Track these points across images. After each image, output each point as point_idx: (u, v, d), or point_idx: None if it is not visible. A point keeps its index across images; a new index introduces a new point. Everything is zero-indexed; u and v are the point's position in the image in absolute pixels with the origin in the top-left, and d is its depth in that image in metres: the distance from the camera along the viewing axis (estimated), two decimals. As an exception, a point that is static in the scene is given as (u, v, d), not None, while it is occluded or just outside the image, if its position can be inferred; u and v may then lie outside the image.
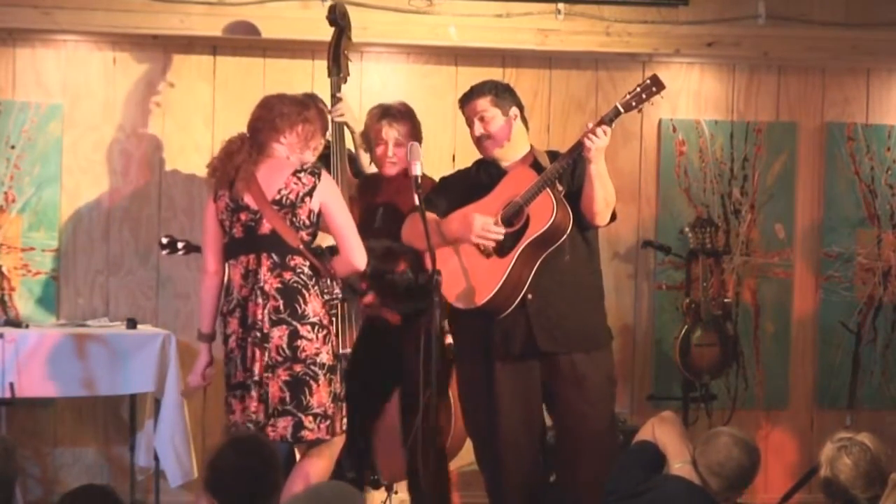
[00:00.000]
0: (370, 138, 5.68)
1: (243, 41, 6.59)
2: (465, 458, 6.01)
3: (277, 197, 5.01)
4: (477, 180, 5.29)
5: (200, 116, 6.71)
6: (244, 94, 6.64)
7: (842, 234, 7.08)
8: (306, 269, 5.03)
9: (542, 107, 6.86)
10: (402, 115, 5.64)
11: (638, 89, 5.07)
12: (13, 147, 6.56)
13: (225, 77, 6.72)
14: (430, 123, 6.69)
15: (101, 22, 6.42)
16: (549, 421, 5.41)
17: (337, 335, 5.29)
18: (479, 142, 5.25)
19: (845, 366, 6.94)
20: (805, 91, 7.08)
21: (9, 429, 6.37)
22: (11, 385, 5.90)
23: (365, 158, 5.89)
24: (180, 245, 6.15)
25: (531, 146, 5.29)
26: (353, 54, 6.11)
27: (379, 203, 5.62)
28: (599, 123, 5.00)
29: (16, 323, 6.26)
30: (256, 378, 5.00)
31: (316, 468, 5.07)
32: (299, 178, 5.02)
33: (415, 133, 5.64)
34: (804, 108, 7.08)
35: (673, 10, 6.78)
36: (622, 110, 5.04)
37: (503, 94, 5.25)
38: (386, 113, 5.63)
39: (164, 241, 6.18)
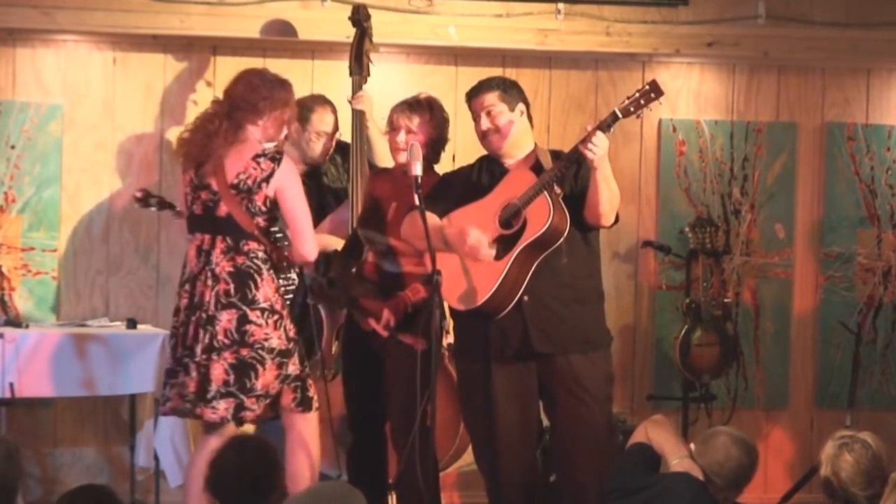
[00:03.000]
0: (387, 124, 5.68)
1: (242, 41, 6.59)
2: (465, 458, 6.01)
3: (235, 181, 5.02)
4: (478, 180, 5.28)
5: (200, 116, 6.70)
6: (244, 94, 6.64)
7: (842, 234, 7.08)
8: (260, 255, 5.04)
9: (542, 107, 6.85)
10: (420, 105, 5.59)
11: (637, 95, 5.04)
12: (13, 147, 6.56)
13: (225, 77, 6.69)
14: (430, 123, 6.71)
15: (101, 22, 6.42)
16: (546, 421, 5.41)
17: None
18: (484, 136, 5.23)
19: (845, 366, 6.94)
20: (805, 91, 7.08)
21: (9, 429, 6.37)
22: (11, 385, 5.91)
23: (381, 151, 5.87)
24: (153, 200, 6.03)
25: (535, 145, 5.28)
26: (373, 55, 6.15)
27: (391, 197, 5.58)
28: (597, 129, 4.98)
29: (16, 323, 6.26)
30: (197, 359, 5.01)
31: (307, 446, 5.13)
32: (258, 164, 5.03)
33: (432, 123, 5.55)
34: (804, 108, 7.08)
35: (673, 10, 6.78)
36: (620, 116, 5.02)
37: (510, 89, 5.24)
38: (405, 102, 5.61)
39: (139, 194, 6.05)
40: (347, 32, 6.21)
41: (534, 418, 5.26)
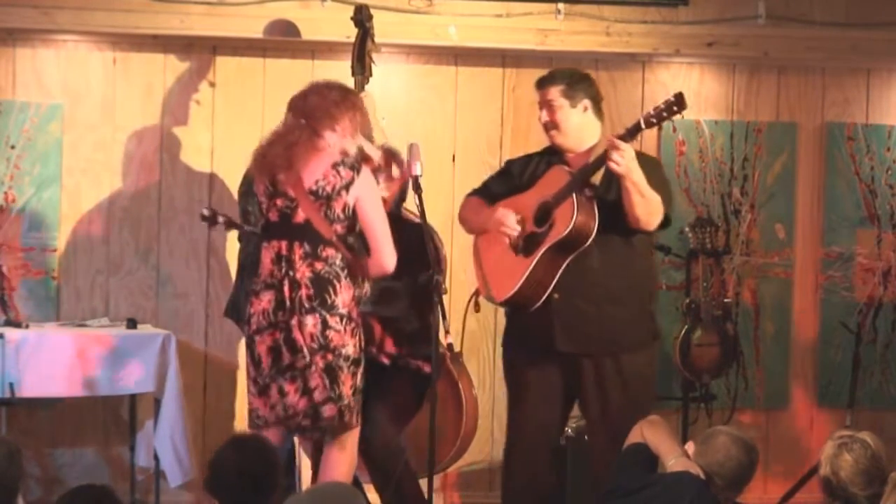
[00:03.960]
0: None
1: (242, 41, 6.59)
2: (465, 458, 6.01)
3: (314, 187, 5.00)
4: (535, 170, 5.28)
5: (201, 116, 6.70)
6: (244, 94, 6.65)
7: (842, 234, 7.08)
8: (338, 261, 5.01)
9: (542, 107, 6.84)
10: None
11: (662, 106, 5.00)
12: (13, 147, 6.56)
13: (225, 77, 6.71)
14: (430, 123, 6.72)
15: (101, 22, 6.42)
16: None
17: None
18: (544, 129, 5.25)
19: (845, 366, 6.94)
20: (805, 91, 7.08)
21: (9, 429, 6.37)
22: (11, 385, 5.90)
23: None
24: (221, 219, 5.86)
25: (601, 138, 5.24)
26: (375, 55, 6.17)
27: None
28: (621, 137, 4.95)
29: (16, 323, 6.26)
30: (306, 362, 4.97)
31: (343, 463, 5.10)
32: (338, 171, 5.02)
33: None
34: (804, 108, 7.08)
35: (673, 10, 6.78)
36: (644, 126, 5.01)
37: (577, 84, 5.23)
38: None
39: (206, 212, 5.84)
40: (348, 32, 6.21)
41: (555, 420, 5.26)
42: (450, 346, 5.73)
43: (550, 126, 5.20)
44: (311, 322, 4.96)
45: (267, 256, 5.07)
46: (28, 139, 6.58)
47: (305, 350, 4.97)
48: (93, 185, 6.67)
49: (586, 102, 5.21)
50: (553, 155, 5.28)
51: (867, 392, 7.00)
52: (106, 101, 6.67)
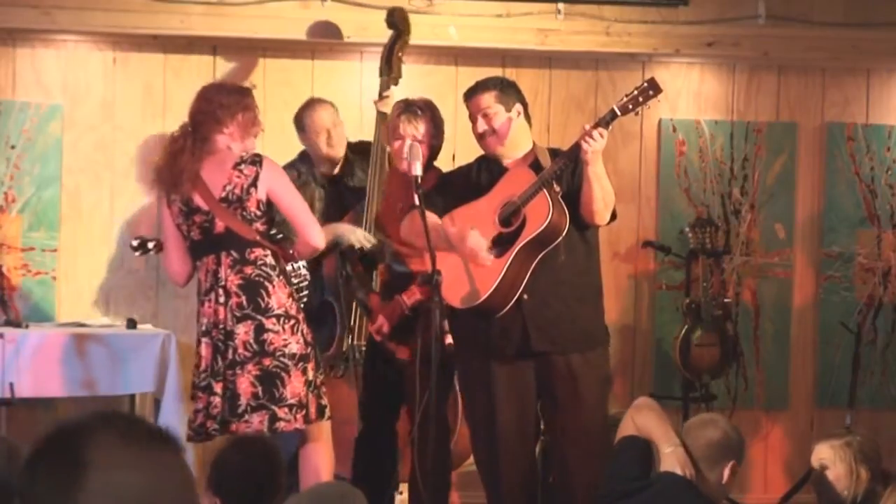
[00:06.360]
0: (390, 132, 5.69)
1: (242, 41, 6.59)
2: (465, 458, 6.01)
3: (223, 194, 5.04)
4: (477, 179, 5.28)
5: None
6: (244, 94, 6.64)
7: (842, 234, 7.08)
8: (268, 260, 5.05)
9: (542, 107, 6.85)
10: (422, 111, 5.61)
11: (635, 92, 5.05)
12: (13, 147, 6.56)
13: (225, 77, 6.70)
14: (430, 123, 6.71)
15: (101, 22, 6.43)
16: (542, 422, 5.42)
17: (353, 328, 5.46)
18: (481, 138, 5.23)
19: (845, 366, 6.94)
20: (805, 91, 7.08)
21: (9, 429, 6.36)
22: (11, 385, 5.90)
23: None
24: (150, 244, 6.10)
25: (534, 143, 5.28)
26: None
27: (401, 197, 5.59)
28: (596, 126, 4.98)
29: (16, 323, 6.25)
30: (220, 376, 5.01)
31: (320, 457, 5.12)
32: (241, 171, 5.04)
33: (434, 131, 5.56)
34: (804, 108, 7.08)
35: (673, 10, 6.78)
36: (619, 113, 5.02)
37: (508, 90, 5.23)
38: (406, 109, 5.62)
39: (135, 242, 6.13)
40: (348, 32, 6.21)
41: (532, 418, 5.27)
42: (450, 346, 5.71)
43: (489, 133, 5.18)
44: (242, 330, 4.99)
45: (202, 274, 5.13)
46: (28, 139, 6.57)
47: (238, 359, 4.99)
48: (93, 185, 6.67)
49: (518, 107, 5.22)
50: (490, 162, 5.26)
51: (867, 392, 7.00)
52: (106, 101, 6.67)
